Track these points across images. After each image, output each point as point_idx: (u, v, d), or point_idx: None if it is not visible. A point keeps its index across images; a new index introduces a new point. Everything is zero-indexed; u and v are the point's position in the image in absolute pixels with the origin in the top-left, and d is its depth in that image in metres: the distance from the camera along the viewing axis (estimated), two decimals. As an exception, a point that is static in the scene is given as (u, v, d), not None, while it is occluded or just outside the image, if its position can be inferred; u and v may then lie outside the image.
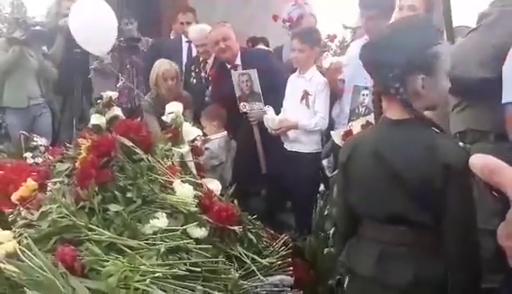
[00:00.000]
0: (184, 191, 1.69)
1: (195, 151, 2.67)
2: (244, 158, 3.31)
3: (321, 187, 3.70)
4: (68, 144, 1.95)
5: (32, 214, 1.43)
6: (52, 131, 4.05)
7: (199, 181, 2.04)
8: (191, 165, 2.45)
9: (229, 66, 3.36)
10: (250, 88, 3.16)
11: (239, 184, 3.27)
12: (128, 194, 1.50)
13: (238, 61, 3.36)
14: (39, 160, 2.97)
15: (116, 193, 1.48)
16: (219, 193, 2.16)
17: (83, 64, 4.10)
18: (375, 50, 1.30)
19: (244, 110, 3.22)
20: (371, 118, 1.99)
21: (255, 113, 3.19)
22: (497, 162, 0.44)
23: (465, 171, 1.11)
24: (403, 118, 1.27)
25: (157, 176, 1.68)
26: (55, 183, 1.61)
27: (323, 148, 3.25)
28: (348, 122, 2.64)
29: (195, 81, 3.86)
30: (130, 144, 1.64)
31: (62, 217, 1.34)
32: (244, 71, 3.18)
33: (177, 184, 1.71)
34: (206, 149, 3.16)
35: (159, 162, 1.80)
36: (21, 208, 1.70)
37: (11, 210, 1.75)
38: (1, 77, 3.80)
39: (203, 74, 3.84)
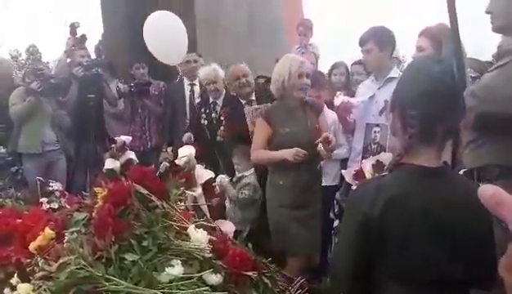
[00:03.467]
0: (198, 237, 1.70)
1: (209, 193, 2.70)
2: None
3: (336, 223, 3.70)
4: (84, 192, 1.98)
5: (50, 265, 1.44)
6: (67, 176, 4.13)
7: (212, 224, 2.06)
8: (205, 208, 2.47)
9: (244, 102, 3.46)
10: None
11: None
12: (144, 243, 1.51)
13: (253, 97, 3.47)
14: (55, 205, 3.02)
15: (132, 241, 1.50)
16: (233, 234, 2.17)
17: (96, 109, 4.22)
18: (449, 80, 1.20)
19: None
20: (381, 157, 2.02)
21: None
22: (504, 194, 0.45)
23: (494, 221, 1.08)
24: (439, 167, 1.19)
25: (172, 223, 1.70)
26: (72, 232, 1.64)
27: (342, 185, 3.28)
28: (362, 158, 2.69)
29: (206, 122, 3.95)
30: (145, 191, 1.67)
31: (80, 268, 1.35)
32: (259, 106, 3.26)
33: (191, 229, 1.73)
34: (248, 184, 3.21)
35: (173, 207, 1.82)
36: (39, 258, 1.73)
37: (28, 260, 1.77)
38: (17, 125, 3.92)
39: (213, 115, 3.93)
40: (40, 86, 3.69)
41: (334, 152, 2.99)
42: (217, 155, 3.72)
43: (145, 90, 4.70)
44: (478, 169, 1.81)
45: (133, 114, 4.82)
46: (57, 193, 3.39)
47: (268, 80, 4.98)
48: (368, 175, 1.93)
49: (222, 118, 3.83)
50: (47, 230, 1.82)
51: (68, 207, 2.29)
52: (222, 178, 3.38)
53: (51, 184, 3.54)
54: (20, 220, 2.22)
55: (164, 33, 3.63)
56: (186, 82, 4.57)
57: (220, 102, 3.92)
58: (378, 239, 1.16)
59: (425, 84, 1.18)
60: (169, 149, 4.45)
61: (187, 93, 4.54)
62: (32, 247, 1.79)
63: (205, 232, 1.75)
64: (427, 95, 1.17)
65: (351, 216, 1.26)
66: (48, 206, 3.04)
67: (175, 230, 1.68)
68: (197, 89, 4.49)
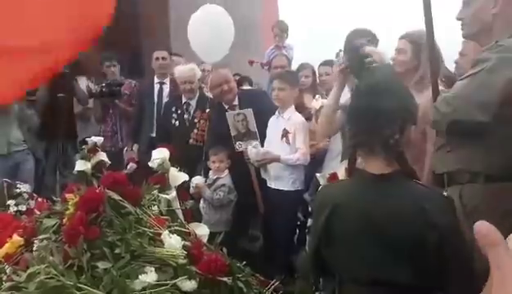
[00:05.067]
0: (172, 243, 1.69)
1: (182, 196, 2.68)
2: (241, 198, 3.36)
3: (309, 222, 3.76)
4: (54, 197, 1.94)
5: (19, 275, 1.41)
6: (35, 177, 4.01)
7: (187, 230, 2.04)
8: (179, 211, 2.45)
9: (226, 106, 3.44)
10: (246, 127, 3.24)
11: (239, 225, 3.33)
12: (117, 250, 1.49)
13: (235, 102, 3.46)
14: (23, 207, 2.93)
15: (105, 249, 1.48)
16: (207, 238, 2.16)
17: (66, 109, 4.12)
18: (377, 96, 1.24)
19: (240, 149, 3.28)
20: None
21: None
22: (498, 236, 0.47)
23: (455, 227, 1.13)
24: (387, 173, 1.23)
25: (145, 229, 1.68)
26: (42, 240, 1.60)
27: (309, 188, 3.32)
28: (341, 160, 2.71)
29: (177, 122, 3.88)
30: (118, 197, 1.65)
31: (50, 278, 1.32)
32: (240, 111, 3.27)
33: (165, 235, 1.71)
34: (223, 185, 3.22)
35: (146, 213, 1.80)
36: (6, 266, 1.68)
37: (-5, 267, 1.72)
38: (-17, 126, 3.79)
39: (186, 116, 3.88)
40: (6, 85, 3.56)
41: (288, 157, 3.07)
42: (191, 158, 3.67)
43: (116, 91, 4.62)
44: (447, 173, 1.87)
45: (104, 114, 4.73)
46: (25, 195, 3.29)
47: (243, 79, 5.02)
48: (341, 179, 1.96)
49: (195, 121, 3.80)
50: (15, 237, 1.78)
51: (37, 210, 2.23)
52: (198, 179, 3.37)
53: (18, 185, 3.44)
54: (-15, 226, 2.15)
55: (211, 29, 3.55)
56: (156, 80, 4.44)
57: (194, 103, 3.87)
58: (327, 243, 1.28)
59: (357, 100, 1.30)
60: (135, 148, 4.36)
61: (156, 91, 4.41)
62: (-1, 254, 1.75)
63: (179, 238, 1.74)
64: (356, 111, 1.28)
65: (313, 220, 1.40)
66: (16, 208, 2.96)
67: (148, 237, 1.67)
68: (166, 88, 4.39)
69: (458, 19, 1.88)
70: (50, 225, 1.64)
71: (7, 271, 1.64)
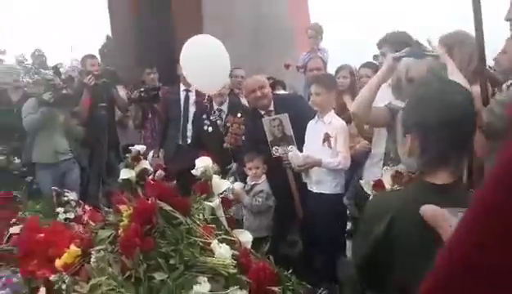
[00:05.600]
0: (222, 252, 1.72)
1: (225, 203, 2.72)
2: (279, 203, 3.37)
3: (348, 226, 3.74)
4: (106, 209, 2.01)
5: (81, 286, 1.47)
6: (80, 184, 4.16)
7: (233, 238, 2.07)
8: (223, 218, 2.49)
9: (262, 112, 3.47)
10: (282, 132, 3.26)
11: (278, 230, 3.34)
12: (171, 261, 1.54)
13: (271, 107, 3.48)
14: (71, 215, 3.06)
15: (159, 260, 1.52)
16: (250, 244, 2.19)
17: (108, 117, 4.25)
18: (457, 109, 1.21)
19: (277, 154, 3.29)
20: (400, 167, 2.03)
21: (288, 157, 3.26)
22: (440, 216, 0.49)
23: None
24: (449, 183, 1.21)
25: (196, 239, 1.72)
26: (98, 250, 1.66)
27: (347, 191, 3.30)
28: (383, 164, 2.66)
29: (210, 128, 3.93)
30: (169, 208, 1.70)
31: (112, 289, 1.38)
32: (275, 116, 3.29)
33: (214, 245, 1.74)
34: (261, 191, 3.25)
35: (195, 222, 1.84)
36: (65, 275, 1.76)
37: (54, 276, 1.80)
38: (31, 135, 3.96)
39: (219, 122, 3.93)
40: (52, 97, 3.72)
41: (328, 160, 3.05)
42: (226, 162, 3.71)
43: (154, 95, 4.72)
44: None
45: (143, 120, 4.84)
46: (73, 203, 3.43)
47: (276, 82, 5.03)
48: (387, 186, 1.94)
49: (228, 125, 3.85)
50: (73, 247, 1.85)
51: (89, 220, 2.32)
52: (236, 185, 3.40)
53: (66, 194, 3.58)
54: (41, 235, 2.25)
55: (203, 59, 3.48)
56: (182, 87, 4.47)
57: (225, 109, 3.93)
58: (384, 253, 1.24)
59: (451, 113, 1.20)
60: (161, 155, 4.40)
61: (182, 99, 4.45)
62: (58, 263, 1.83)
63: (228, 247, 1.77)
64: (451, 124, 1.20)
65: (366, 229, 1.33)
66: (64, 216, 3.08)
67: (199, 246, 1.70)
68: (192, 95, 4.41)
69: (507, 20, 1.83)
70: (105, 236, 1.70)
71: (66, 281, 1.71)
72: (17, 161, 4.00)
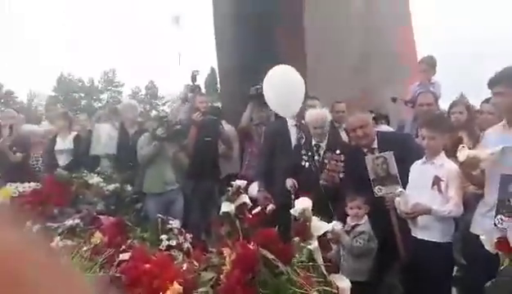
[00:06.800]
0: (324, 306, 1.66)
1: (323, 245, 2.64)
2: (379, 245, 3.19)
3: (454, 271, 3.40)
4: (210, 249, 2.05)
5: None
6: (183, 213, 4.36)
7: (332, 287, 1.99)
8: (320, 262, 2.41)
9: (365, 150, 3.38)
10: (386, 171, 3.12)
11: (377, 272, 3.17)
12: (271, 312, 1.51)
13: (374, 145, 3.37)
14: (173, 242, 3.20)
15: (260, 310, 1.50)
16: (349, 291, 2.08)
17: (212, 151, 4.43)
18: None
19: (380, 194, 3.15)
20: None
21: (391, 197, 3.10)
22: None
23: None
24: None
25: (296, 290, 1.67)
26: (201, 293, 1.69)
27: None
28: (496, 214, 2.42)
29: (307, 164, 3.88)
30: (271, 256, 1.68)
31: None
32: (380, 154, 3.17)
33: (315, 297, 1.68)
34: (362, 232, 3.15)
35: (296, 271, 1.80)
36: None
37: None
38: (142, 167, 4.28)
39: (316, 157, 3.87)
40: (164, 133, 4.01)
41: (440, 208, 2.83)
42: (327, 201, 3.62)
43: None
44: None
45: (242, 154, 4.95)
46: (175, 231, 3.60)
47: (378, 119, 4.82)
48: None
49: (325, 162, 3.76)
50: (176, 285, 1.91)
51: (185, 244, 2.38)
52: (335, 225, 3.29)
53: (170, 222, 3.78)
54: (147, 266, 2.37)
55: (283, 87, 3.74)
56: (291, 122, 4.33)
57: (324, 145, 3.86)
58: None
59: None
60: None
61: (293, 133, 4.28)
62: (162, 298, 1.89)
63: (329, 300, 1.69)
64: None
65: None
66: (167, 243, 3.24)
67: (300, 298, 1.65)
68: (293, 130, 4.30)
69: None
70: (208, 279, 1.73)
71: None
72: (129, 188, 4.32)
